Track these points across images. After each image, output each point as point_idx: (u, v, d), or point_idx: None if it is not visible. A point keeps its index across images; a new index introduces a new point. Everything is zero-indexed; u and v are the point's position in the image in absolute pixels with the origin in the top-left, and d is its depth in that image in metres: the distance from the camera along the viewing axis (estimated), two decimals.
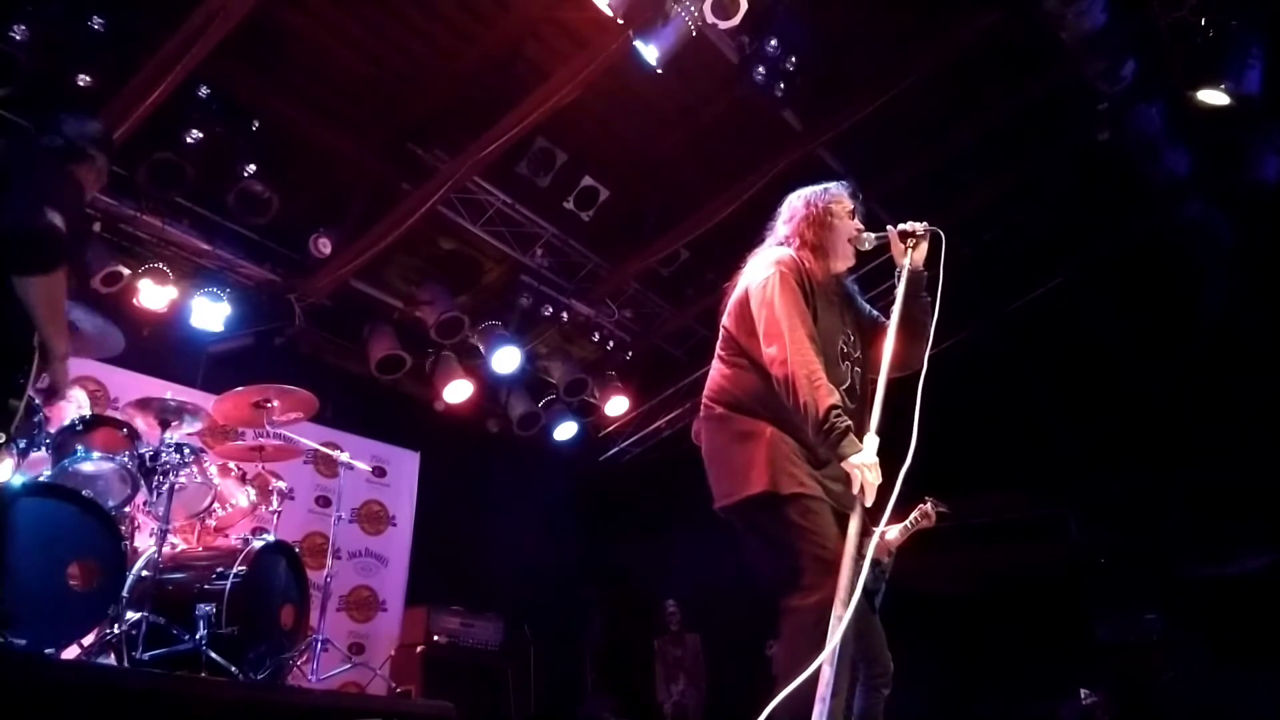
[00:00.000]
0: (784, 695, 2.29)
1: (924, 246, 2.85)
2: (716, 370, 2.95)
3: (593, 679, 8.49)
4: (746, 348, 2.84)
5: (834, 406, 2.56)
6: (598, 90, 5.91)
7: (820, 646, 2.45)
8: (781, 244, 2.98)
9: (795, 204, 3.04)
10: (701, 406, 2.97)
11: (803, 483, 2.67)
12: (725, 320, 2.96)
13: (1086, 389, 7.63)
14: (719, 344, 2.98)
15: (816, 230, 2.93)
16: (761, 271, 2.83)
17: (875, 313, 3.10)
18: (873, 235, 2.91)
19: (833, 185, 3.04)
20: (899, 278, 2.82)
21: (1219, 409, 6.97)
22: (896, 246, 2.87)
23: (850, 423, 2.58)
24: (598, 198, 6.83)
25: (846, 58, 6.05)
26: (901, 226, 2.85)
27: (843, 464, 2.56)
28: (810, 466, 2.72)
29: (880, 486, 2.54)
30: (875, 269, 3.44)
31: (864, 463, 2.52)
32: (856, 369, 2.92)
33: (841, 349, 2.89)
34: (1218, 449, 6.96)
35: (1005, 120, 6.67)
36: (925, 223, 2.85)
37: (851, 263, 3.00)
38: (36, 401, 4.14)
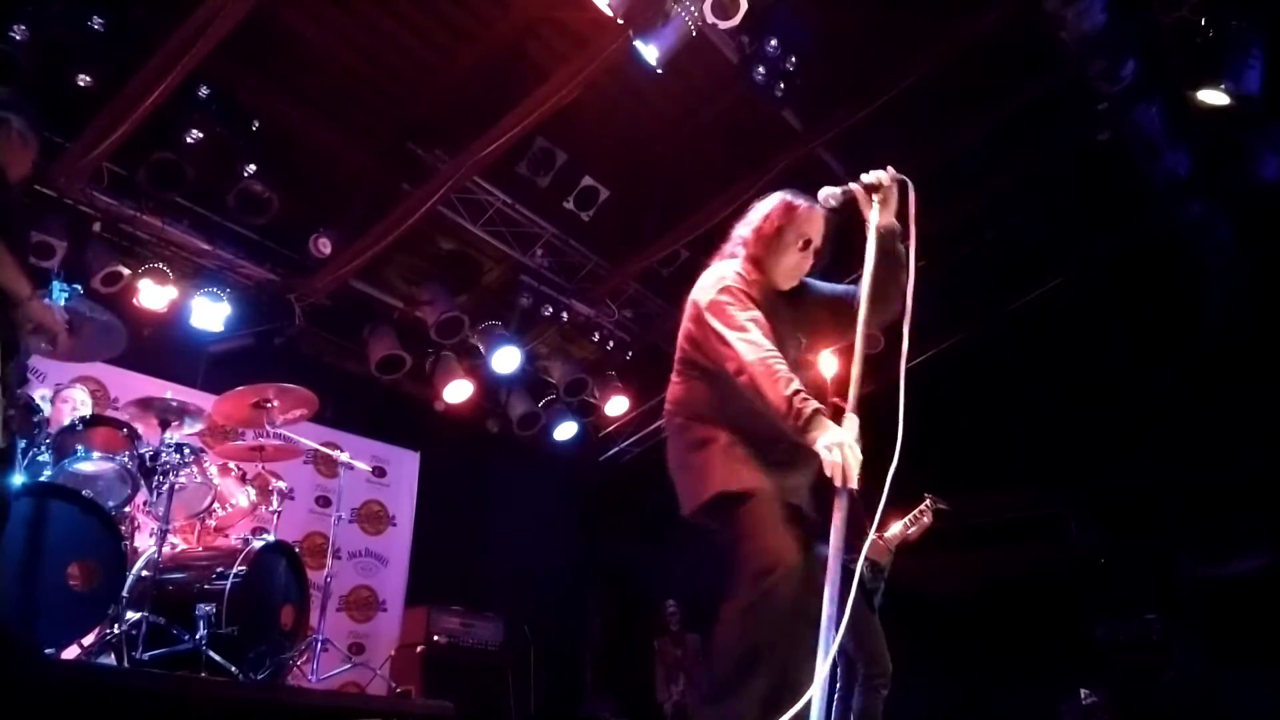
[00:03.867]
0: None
1: (893, 199, 2.69)
2: (673, 382, 2.94)
3: (593, 679, 8.50)
4: (698, 360, 2.82)
5: (796, 392, 2.47)
6: (598, 90, 5.91)
7: (747, 657, 2.45)
8: (731, 256, 2.92)
9: (759, 212, 2.94)
10: (664, 416, 2.96)
11: (754, 484, 2.61)
12: (680, 335, 2.93)
13: (1086, 389, 7.63)
14: (676, 357, 2.95)
15: (765, 247, 2.85)
16: (707, 294, 2.76)
17: (833, 288, 2.97)
18: (838, 191, 2.73)
19: (802, 204, 2.88)
20: (870, 236, 2.66)
21: (1219, 409, 6.97)
22: (864, 201, 2.70)
23: (818, 405, 2.47)
24: (598, 198, 6.83)
25: (847, 57, 6.05)
26: (866, 179, 2.69)
27: (816, 448, 2.40)
28: (767, 470, 2.67)
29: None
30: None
31: (837, 440, 2.36)
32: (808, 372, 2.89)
33: (794, 358, 2.82)
34: (1218, 449, 6.96)
35: (1005, 120, 6.67)
36: (889, 169, 2.71)
37: (794, 283, 2.90)
38: (36, 401, 4.16)
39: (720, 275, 2.81)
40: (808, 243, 2.85)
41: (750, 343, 2.59)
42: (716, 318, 2.69)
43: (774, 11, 5.51)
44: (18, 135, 3.27)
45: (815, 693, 2.15)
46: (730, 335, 2.64)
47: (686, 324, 2.88)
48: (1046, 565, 7.60)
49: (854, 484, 2.36)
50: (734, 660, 2.48)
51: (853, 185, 2.71)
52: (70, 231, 5.45)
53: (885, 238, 2.66)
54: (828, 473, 2.38)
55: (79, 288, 3.73)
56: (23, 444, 3.75)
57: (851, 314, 2.74)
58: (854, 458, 2.36)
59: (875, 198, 2.67)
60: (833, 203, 2.74)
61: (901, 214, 2.70)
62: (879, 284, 2.62)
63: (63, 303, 3.47)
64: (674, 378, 2.95)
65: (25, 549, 3.46)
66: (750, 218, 2.95)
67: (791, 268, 2.87)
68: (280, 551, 4.58)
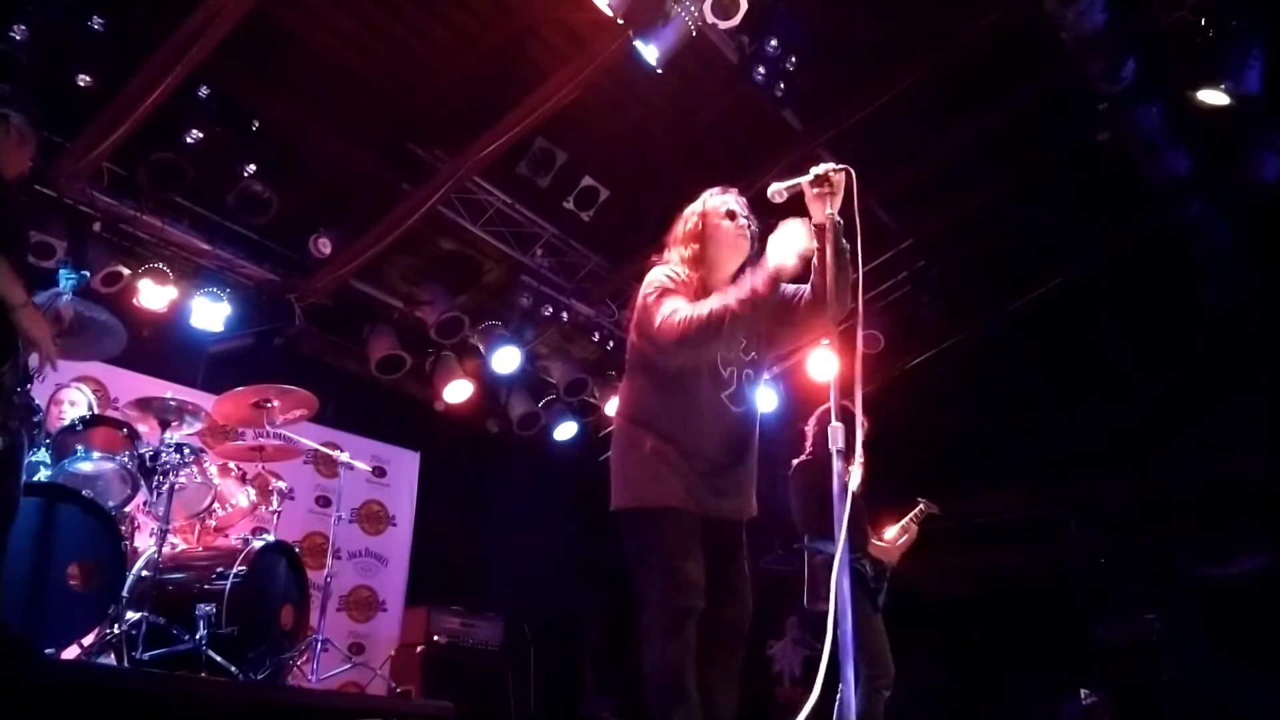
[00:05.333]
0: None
1: (840, 192, 2.62)
2: (623, 380, 3.07)
3: (593, 679, 8.48)
4: (637, 361, 2.94)
5: (728, 292, 2.65)
6: (598, 90, 5.91)
7: (671, 685, 2.52)
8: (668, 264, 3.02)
9: (675, 227, 3.10)
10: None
11: (669, 500, 2.71)
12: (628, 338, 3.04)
13: (1086, 389, 7.63)
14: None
15: (694, 244, 2.97)
16: (644, 293, 2.88)
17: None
18: (783, 186, 2.69)
19: (706, 194, 3.07)
20: (822, 232, 2.64)
21: (1219, 409, 6.97)
22: (812, 198, 2.66)
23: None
24: (598, 198, 6.82)
25: (847, 57, 6.05)
26: (815, 171, 2.65)
27: (774, 262, 2.58)
28: (693, 479, 2.74)
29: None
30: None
31: (779, 243, 2.60)
32: (748, 370, 2.90)
33: (738, 356, 2.89)
34: (1218, 449, 6.96)
35: (1005, 120, 6.66)
36: (832, 162, 2.68)
37: (743, 257, 2.97)
38: (38, 402, 4.16)
39: (653, 277, 2.91)
40: (731, 213, 2.97)
41: (675, 311, 2.70)
42: (645, 309, 2.80)
43: (774, 11, 5.51)
44: (16, 132, 3.26)
45: (848, 694, 2.12)
46: (661, 310, 2.73)
47: (634, 318, 2.97)
48: (1046, 565, 7.60)
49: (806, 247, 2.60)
50: (660, 691, 2.56)
51: (800, 180, 2.69)
52: (70, 231, 5.44)
53: (836, 234, 2.65)
54: (771, 254, 2.61)
55: (87, 274, 3.70)
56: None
57: (793, 316, 2.86)
58: (795, 233, 2.59)
59: (824, 190, 2.63)
60: (779, 198, 2.72)
61: (848, 204, 2.66)
62: (833, 281, 2.63)
63: (70, 290, 3.45)
64: (625, 375, 3.07)
65: (26, 549, 3.46)
66: (674, 235, 3.09)
67: (730, 243, 2.96)
68: (280, 551, 4.58)
